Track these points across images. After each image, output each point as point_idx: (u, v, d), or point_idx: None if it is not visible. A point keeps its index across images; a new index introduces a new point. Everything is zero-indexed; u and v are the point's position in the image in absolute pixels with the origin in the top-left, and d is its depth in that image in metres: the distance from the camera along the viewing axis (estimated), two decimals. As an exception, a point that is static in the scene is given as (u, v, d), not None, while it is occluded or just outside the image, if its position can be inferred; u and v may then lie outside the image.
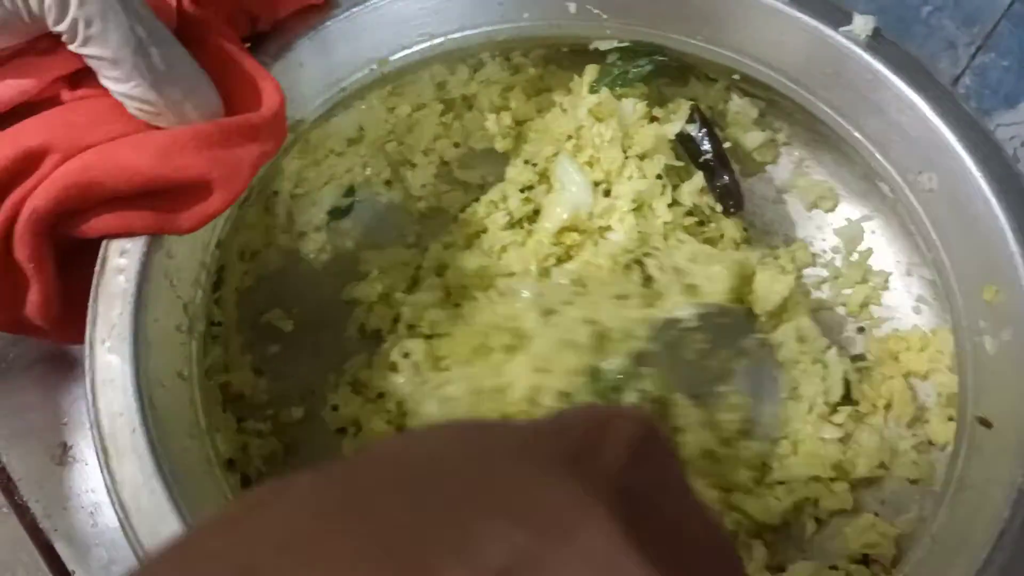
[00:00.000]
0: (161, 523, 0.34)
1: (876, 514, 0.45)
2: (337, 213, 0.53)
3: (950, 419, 0.46)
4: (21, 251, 0.38)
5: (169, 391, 0.38)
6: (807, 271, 0.53)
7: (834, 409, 0.47)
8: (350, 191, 0.53)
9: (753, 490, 0.45)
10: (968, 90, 0.60)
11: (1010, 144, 0.59)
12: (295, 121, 0.47)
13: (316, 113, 0.48)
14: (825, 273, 0.53)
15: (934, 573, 0.37)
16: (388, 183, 0.54)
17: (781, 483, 0.45)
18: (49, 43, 0.40)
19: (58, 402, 0.50)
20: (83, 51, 0.38)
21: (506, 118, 0.54)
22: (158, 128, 0.40)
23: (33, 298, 0.39)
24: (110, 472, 0.35)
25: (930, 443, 0.47)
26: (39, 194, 0.38)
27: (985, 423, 0.40)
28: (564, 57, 0.54)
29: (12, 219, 0.38)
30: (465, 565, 0.16)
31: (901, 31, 0.61)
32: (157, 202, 0.39)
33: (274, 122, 0.40)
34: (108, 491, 0.35)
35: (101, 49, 0.38)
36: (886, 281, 0.51)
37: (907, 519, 0.44)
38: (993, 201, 0.43)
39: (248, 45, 0.46)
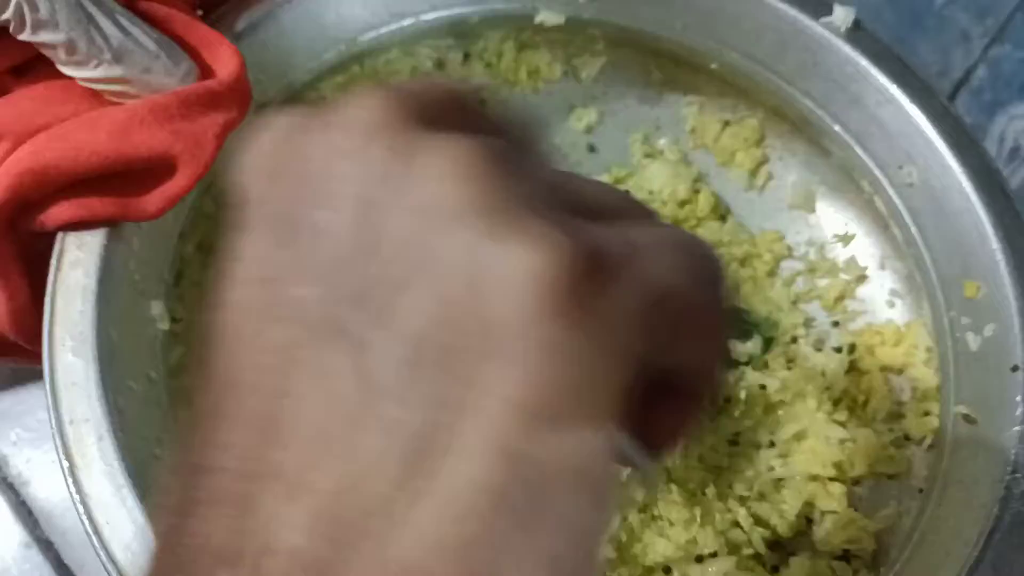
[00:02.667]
0: (134, 538, 0.32)
1: (855, 509, 0.45)
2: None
3: (926, 414, 0.46)
4: (-19, 255, 0.35)
5: (137, 395, 0.36)
6: (782, 263, 0.53)
7: (835, 406, 0.47)
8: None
9: (767, 495, 0.45)
10: (982, 82, 0.60)
11: (1024, 136, 0.59)
12: (259, 103, 0.44)
13: (281, 96, 0.45)
14: (800, 266, 0.53)
15: (926, 571, 0.37)
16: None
17: (781, 486, 0.45)
18: None
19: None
20: (34, 38, 0.36)
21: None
22: (113, 104, 0.37)
23: (2, 308, 0.36)
24: (76, 484, 0.33)
25: (906, 437, 0.47)
26: (-9, 185, 0.35)
27: (969, 420, 0.40)
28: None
29: (-34, 221, 0.35)
30: None
31: (914, 23, 0.60)
32: (119, 185, 0.37)
33: (235, 87, 0.38)
34: (74, 505, 0.33)
35: (53, 33, 0.36)
36: (862, 275, 0.51)
37: (885, 515, 0.45)
38: (973, 197, 0.43)
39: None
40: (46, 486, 0.48)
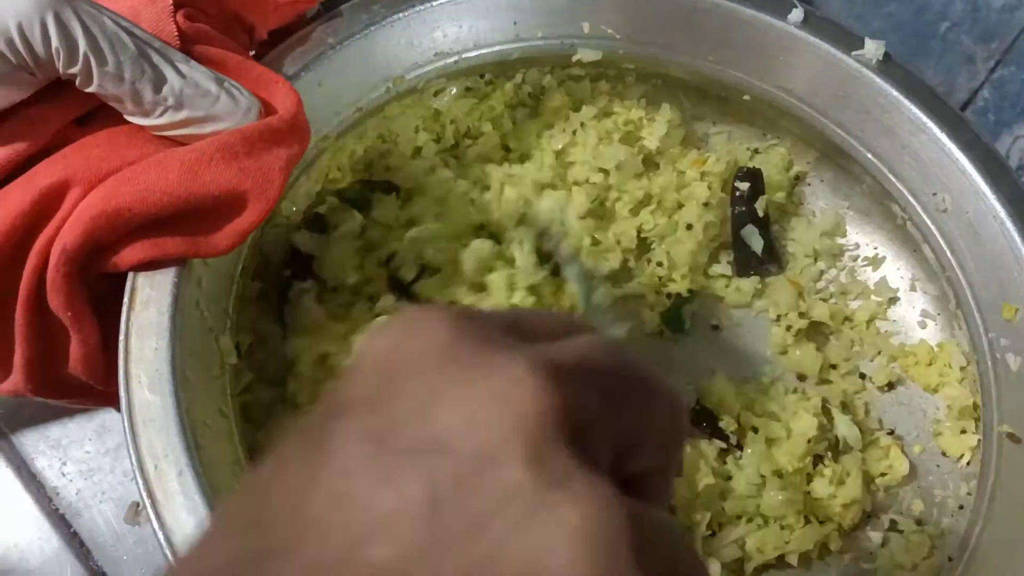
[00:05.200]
0: (220, 571, 0.32)
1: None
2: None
3: (963, 432, 0.47)
4: (55, 299, 0.36)
5: (212, 429, 0.36)
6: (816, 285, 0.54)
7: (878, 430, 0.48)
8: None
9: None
10: (987, 103, 0.62)
11: (1029, 156, 0.61)
12: (317, 139, 0.45)
13: (335, 132, 0.47)
14: (832, 289, 0.54)
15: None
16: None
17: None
18: (50, 92, 0.38)
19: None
20: (100, 91, 0.36)
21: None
22: (179, 145, 0.38)
23: (75, 351, 0.37)
24: (159, 518, 0.33)
25: (943, 455, 0.48)
26: (66, 232, 0.36)
27: (1014, 438, 0.41)
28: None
29: (41, 266, 0.36)
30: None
31: (918, 47, 0.62)
32: (189, 224, 0.38)
33: (295, 123, 0.39)
34: (157, 539, 0.33)
35: (117, 85, 0.36)
36: (893, 296, 0.52)
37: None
38: (1008, 223, 0.45)
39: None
40: (97, 516, 0.48)
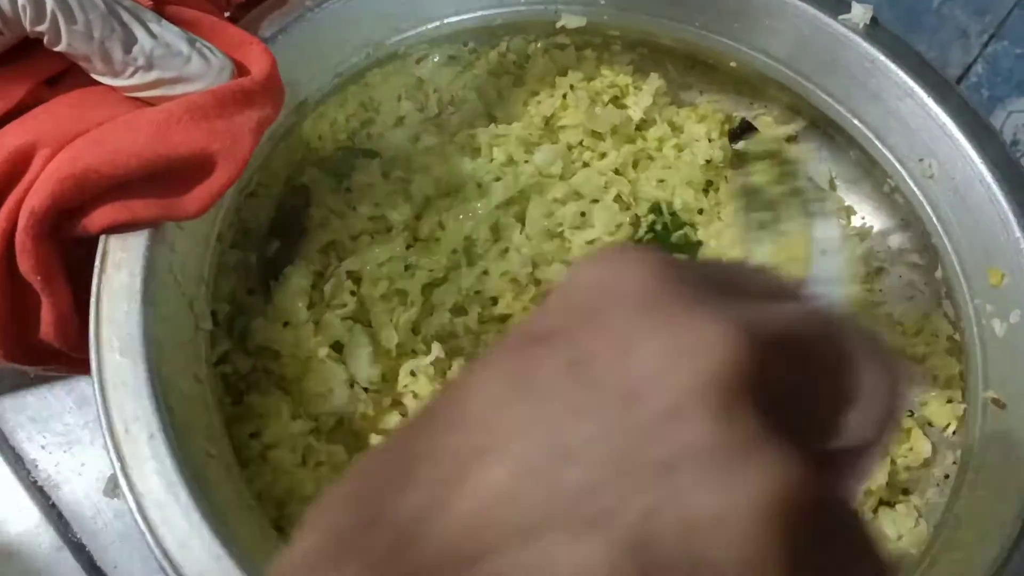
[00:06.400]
0: (191, 536, 0.32)
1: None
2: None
3: (949, 401, 0.47)
4: (25, 263, 0.35)
5: (186, 395, 0.36)
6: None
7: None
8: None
9: None
10: (980, 78, 0.61)
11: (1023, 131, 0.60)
12: (293, 106, 0.45)
13: (314, 97, 0.46)
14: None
15: (965, 554, 0.37)
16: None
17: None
18: (18, 52, 0.37)
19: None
20: (69, 50, 0.36)
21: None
22: (149, 105, 0.38)
23: (47, 316, 0.36)
24: (129, 482, 0.33)
25: (929, 424, 0.48)
26: (33, 193, 0.35)
27: (999, 404, 0.41)
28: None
29: (10, 230, 0.35)
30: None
31: (912, 21, 0.61)
32: (159, 186, 0.37)
33: (269, 85, 0.38)
34: (128, 503, 0.33)
35: (86, 44, 0.36)
36: (880, 267, 0.52)
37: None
38: (995, 187, 0.44)
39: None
40: (76, 489, 0.48)
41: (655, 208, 0.52)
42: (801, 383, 0.18)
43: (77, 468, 0.48)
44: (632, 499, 0.16)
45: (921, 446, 0.47)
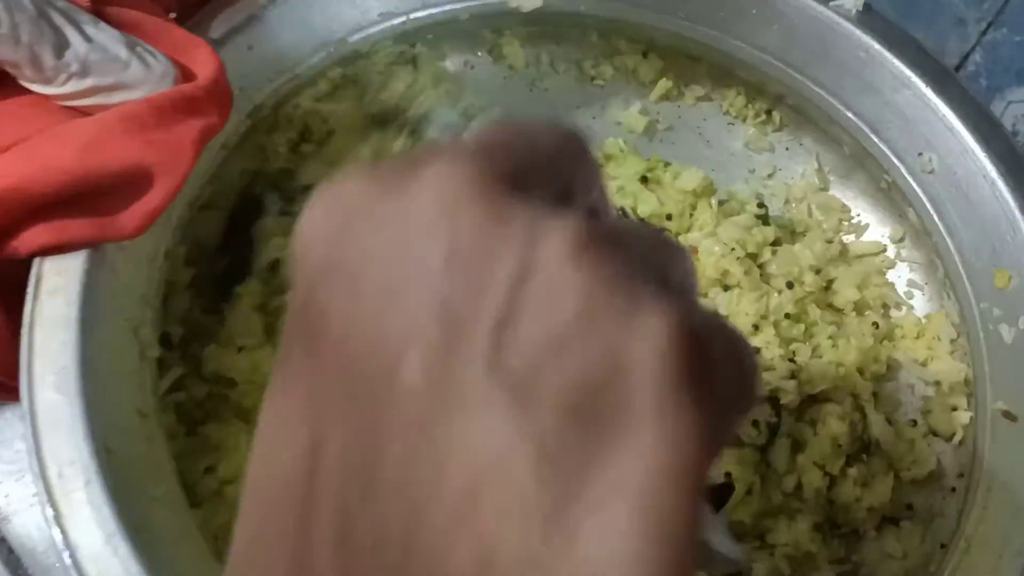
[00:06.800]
0: (131, 591, 0.29)
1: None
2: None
3: (954, 409, 0.44)
4: (-50, 288, 0.32)
5: (127, 432, 0.33)
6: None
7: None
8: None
9: None
10: (978, 67, 0.59)
11: (1023, 121, 0.58)
12: (248, 112, 0.41)
13: (270, 101, 0.43)
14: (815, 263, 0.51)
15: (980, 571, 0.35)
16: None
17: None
18: None
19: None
20: None
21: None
22: (85, 115, 0.35)
23: (-23, 342, 0.33)
24: (63, 533, 0.30)
25: (934, 434, 0.45)
26: (-45, 214, 0.32)
27: (1010, 416, 0.38)
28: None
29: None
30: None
31: (907, 8, 0.59)
32: (93, 204, 0.34)
33: (213, 90, 0.35)
34: (62, 557, 0.30)
35: (13, 49, 0.33)
36: (880, 265, 0.49)
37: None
38: (999, 182, 0.41)
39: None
40: (28, 521, 0.45)
41: None
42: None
43: (28, 499, 0.45)
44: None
45: (925, 458, 0.44)
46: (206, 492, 0.36)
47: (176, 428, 0.38)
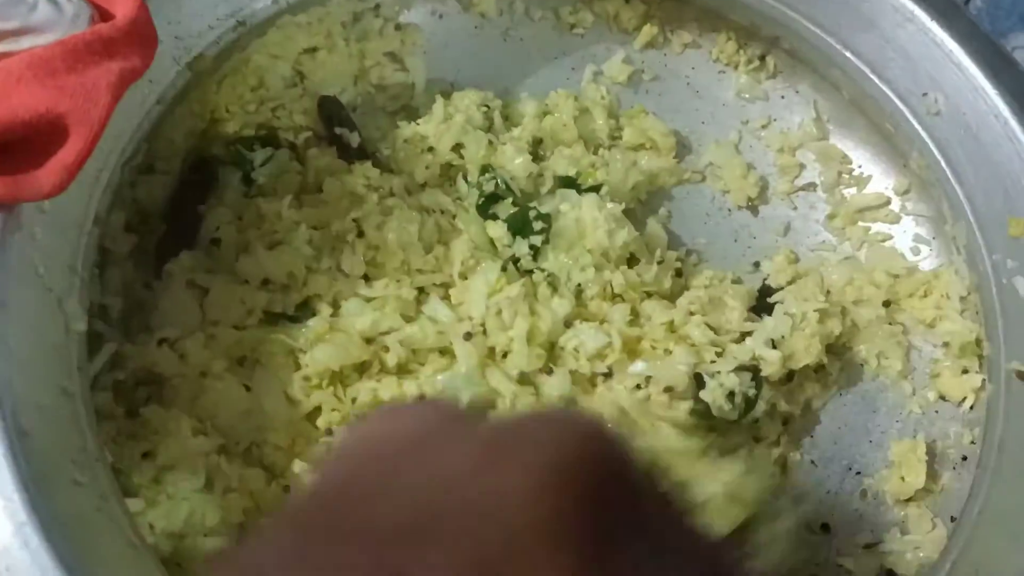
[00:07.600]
0: (41, 586, 0.26)
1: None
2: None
3: (965, 371, 0.41)
4: None
5: (47, 412, 0.30)
6: (790, 212, 0.47)
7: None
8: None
9: None
10: (980, 11, 0.55)
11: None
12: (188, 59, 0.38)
13: (211, 51, 0.39)
14: (816, 214, 0.47)
15: (988, 555, 0.32)
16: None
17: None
18: None
19: None
20: None
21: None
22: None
23: None
24: (-31, 525, 0.27)
25: (943, 399, 0.42)
26: None
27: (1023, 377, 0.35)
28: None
29: None
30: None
31: None
32: (5, 161, 0.30)
33: (133, 31, 0.32)
34: (-32, 551, 0.27)
35: None
36: (887, 218, 0.45)
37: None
38: (1012, 121, 0.38)
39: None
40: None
41: None
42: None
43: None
44: None
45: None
46: (143, 480, 0.33)
47: (113, 409, 0.35)
